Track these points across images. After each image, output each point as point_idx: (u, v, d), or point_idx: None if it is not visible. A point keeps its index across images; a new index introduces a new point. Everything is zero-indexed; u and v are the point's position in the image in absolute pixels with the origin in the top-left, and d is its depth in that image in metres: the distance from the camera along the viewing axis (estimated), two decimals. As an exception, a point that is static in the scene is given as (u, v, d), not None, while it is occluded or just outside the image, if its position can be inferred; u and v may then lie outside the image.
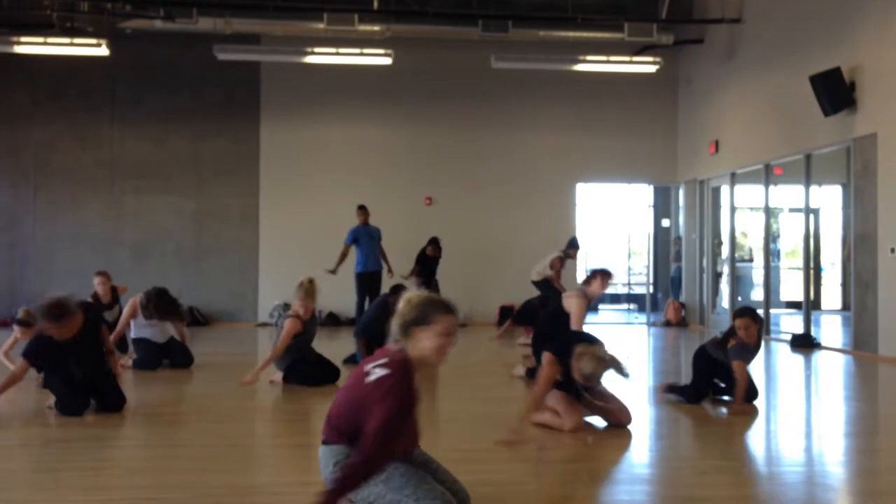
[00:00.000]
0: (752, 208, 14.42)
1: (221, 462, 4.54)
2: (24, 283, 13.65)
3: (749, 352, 6.19)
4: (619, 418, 5.38)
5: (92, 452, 4.82)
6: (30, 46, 11.92)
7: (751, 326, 6.12)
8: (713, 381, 6.39)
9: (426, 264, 12.59)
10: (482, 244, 14.42)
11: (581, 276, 13.81)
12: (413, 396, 3.00)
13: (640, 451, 4.98)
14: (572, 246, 11.61)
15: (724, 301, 13.83)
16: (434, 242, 12.62)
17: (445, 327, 2.99)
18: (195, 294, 13.86)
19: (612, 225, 17.15)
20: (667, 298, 15.82)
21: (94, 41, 11.92)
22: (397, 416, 2.87)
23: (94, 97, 13.99)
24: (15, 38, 11.78)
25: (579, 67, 13.06)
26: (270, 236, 14.32)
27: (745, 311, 6.24)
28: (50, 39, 11.86)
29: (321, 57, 12.51)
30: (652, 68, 12.96)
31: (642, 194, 15.58)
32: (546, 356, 5.32)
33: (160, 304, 8.03)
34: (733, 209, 13.44)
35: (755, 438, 5.46)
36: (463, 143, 14.58)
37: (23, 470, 4.49)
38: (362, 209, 11.95)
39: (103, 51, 11.96)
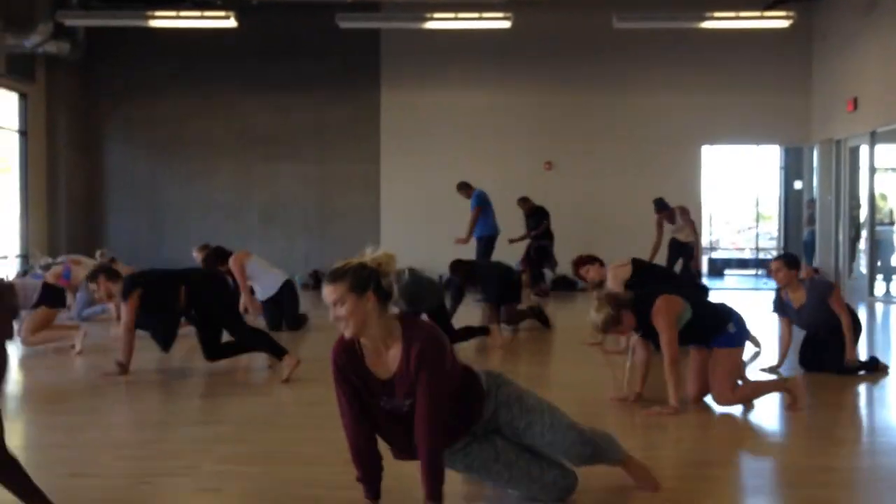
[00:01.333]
0: (893, 169, 13.62)
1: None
2: (164, 246, 14.35)
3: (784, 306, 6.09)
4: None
5: (232, 407, 5.07)
6: (163, 20, 12.42)
7: (781, 269, 6.00)
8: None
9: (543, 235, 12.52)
10: (603, 209, 14.20)
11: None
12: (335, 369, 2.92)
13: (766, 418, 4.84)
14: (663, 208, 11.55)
15: (862, 266, 13.18)
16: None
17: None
18: (320, 258, 14.25)
19: (740, 188, 16.56)
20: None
21: (222, 13, 12.30)
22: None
23: (224, 68, 14.47)
24: (150, 13, 12.30)
25: (706, 25, 12.57)
26: (391, 201, 14.54)
27: (781, 255, 6.49)
28: (182, 13, 12.31)
29: (440, 22, 12.52)
30: (784, 23, 12.34)
31: (772, 156, 14.95)
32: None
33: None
34: (873, 170, 12.73)
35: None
36: (584, 107, 14.33)
37: (183, 423, 4.75)
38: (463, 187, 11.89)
39: (231, 23, 12.33)
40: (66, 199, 13.99)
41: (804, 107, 14.29)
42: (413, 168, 14.47)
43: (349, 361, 2.87)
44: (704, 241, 15.21)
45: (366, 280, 2.79)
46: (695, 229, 11.69)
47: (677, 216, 11.55)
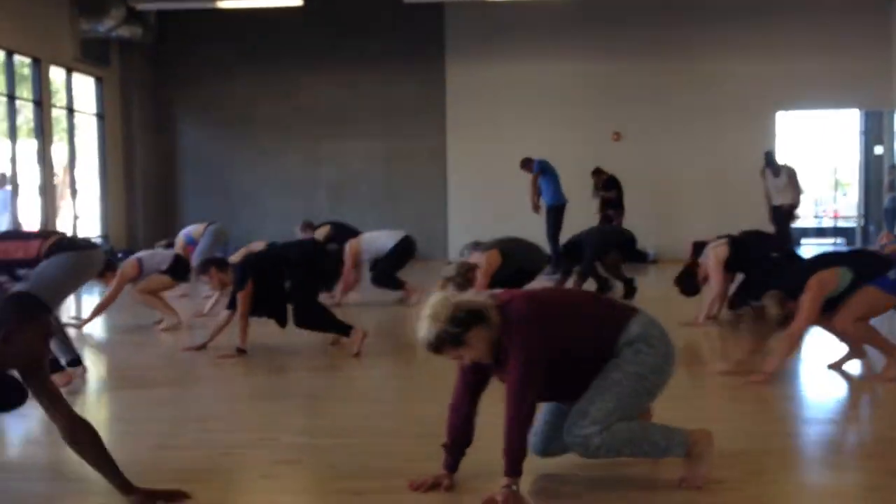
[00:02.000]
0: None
1: (427, 392, 4.72)
2: (236, 226, 14.61)
3: None
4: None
5: (305, 382, 5.17)
6: (232, 2, 12.58)
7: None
8: None
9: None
10: (673, 179, 13.93)
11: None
12: None
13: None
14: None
15: (947, 234, 12.67)
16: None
17: None
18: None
19: (817, 154, 16.05)
20: (880, 231, 14.71)
21: (289, -8, 12.40)
22: None
23: (290, 47, 14.61)
24: (217, -6, 12.49)
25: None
26: (458, 175, 14.52)
27: None
28: (249, -7, 12.46)
29: (506, -7, 12.39)
30: (864, -19, 11.86)
31: (851, 120, 14.44)
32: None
33: None
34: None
35: None
36: (652, 75, 14.04)
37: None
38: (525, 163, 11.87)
39: (297, 1, 12.42)
40: (141, 181, 14.36)
41: (885, 69, 13.74)
42: (479, 142, 14.42)
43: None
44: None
45: (462, 328, 2.87)
46: (798, 190, 11.50)
47: (783, 175, 11.37)
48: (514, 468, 2.89)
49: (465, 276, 5.48)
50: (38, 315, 3.01)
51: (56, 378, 4.60)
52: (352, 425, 4.05)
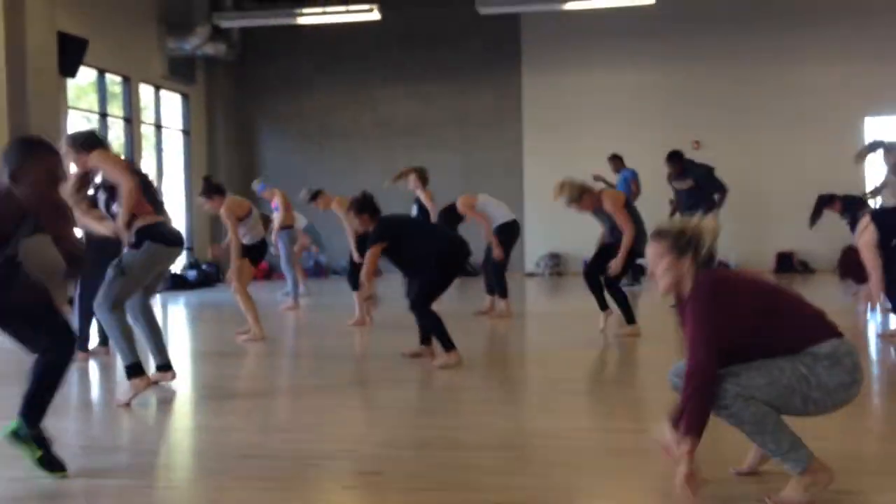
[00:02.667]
0: None
1: (508, 406, 4.71)
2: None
3: None
4: None
5: (388, 393, 5.20)
6: (311, 17, 12.84)
7: None
8: None
9: None
10: (755, 187, 13.60)
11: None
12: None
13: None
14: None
15: None
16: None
17: None
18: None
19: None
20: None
21: (366, 7, 12.58)
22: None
23: (368, 60, 14.81)
24: (298, 11, 12.76)
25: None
26: (534, 186, 14.45)
27: None
28: (328, 9, 12.68)
29: (582, 2, 12.32)
30: (958, -19, 11.41)
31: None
32: None
33: None
34: None
35: None
36: (732, 82, 13.76)
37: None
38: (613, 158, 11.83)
39: (375, 15, 12.60)
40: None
41: (980, 71, 13.17)
42: (556, 152, 14.34)
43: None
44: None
45: (685, 244, 3.02)
46: None
47: None
48: (690, 430, 2.87)
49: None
50: (43, 155, 3.14)
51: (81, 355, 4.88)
52: (433, 438, 4.06)
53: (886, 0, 12.73)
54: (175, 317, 9.94)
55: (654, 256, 3.05)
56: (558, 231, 13.47)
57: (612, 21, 13.71)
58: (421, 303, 5.83)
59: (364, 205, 6.19)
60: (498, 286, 8.58)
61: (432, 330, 5.87)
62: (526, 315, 9.13)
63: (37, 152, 3.23)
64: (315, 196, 8.85)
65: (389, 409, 4.75)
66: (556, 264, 14.19)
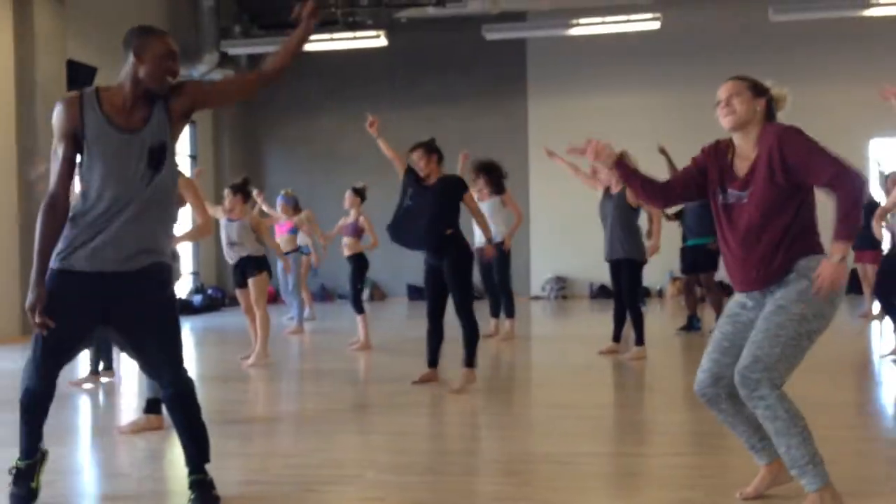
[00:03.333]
0: None
1: (512, 430, 4.69)
2: (325, 261, 14.89)
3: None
4: None
5: (391, 418, 5.18)
6: (318, 43, 12.94)
7: None
8: None
9: None
10: (763, 210, 13.59)
11: None
12: None
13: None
14: None
15: None
16: None
17: None
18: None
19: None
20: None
21: (373, 33, 12.69)
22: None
23: (375, 85, 14.90)
24: (306, 38, 12.85)
25: (870, 13, 11.82)
26: (540, 211, 14.48)
27: None
28: (335, 35, 12.78)
29: (587, 28, 12.39)
30: (962, 4, 11.44)
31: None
32: None
33: None
34: None
35: None
36: (739, 105, 13.79)
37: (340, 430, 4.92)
38: None
39: (382, 41, 12.70)
40: (232, 218, 14.79)
41: None
42: (562, 177, 14.30)
43: (716, 156, 3.32)
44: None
45: (763, 90, 3.33)
46: None
47: None
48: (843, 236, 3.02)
49: None
50: (157, 33, 3.32)
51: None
52: (436, 462, 4.04)
53: (887, 24, 12.76)
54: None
55: (731, 90, 3.28)
56: (564, 254, 13.48)
57: (617, 45, 13.79)
58: (469, 307, 5.78)
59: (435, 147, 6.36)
60: (509, 303, 8.58)
61: (474, 337, 5.78)
62: (531, 338, 9.10)
63: (153, 32, 3.35)
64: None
65: (392, 434, 4.73)
66: (561, 287, 14.18)
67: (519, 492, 3.51)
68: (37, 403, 3.16)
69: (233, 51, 13.31)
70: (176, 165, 3.27)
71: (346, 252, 8.37)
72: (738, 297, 3.20)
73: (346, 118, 15.08)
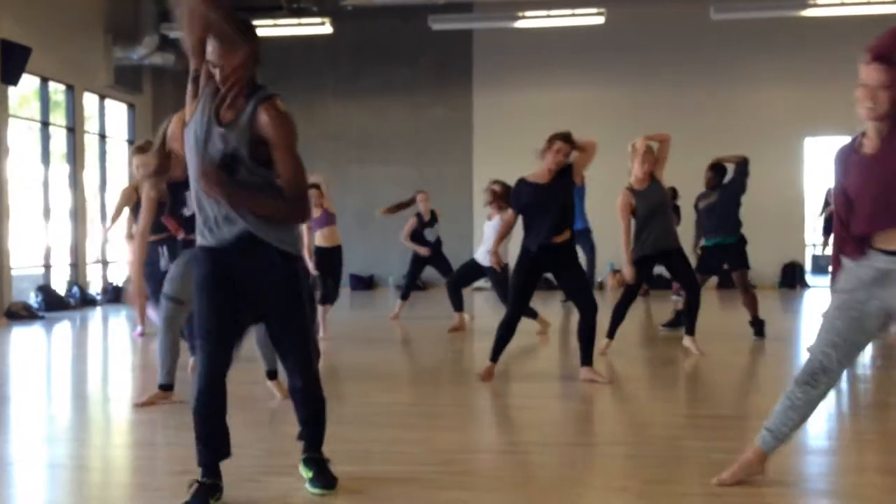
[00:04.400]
0: None
1: (449, 421, 4.69)
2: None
3: None
4: None
5: (338, 409, 5.14)
6: (261, 29, 12.70)
7: None
8: None
9: None
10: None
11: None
12: None
13: None
14: None
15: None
16: None
17: None
18: (415, 259, 14.35)
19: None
20: None
21: (318, 20, 12.56)
22: None
23: (319, 74, 14.75)
24: (249, 23, 12.66)
25: (808, 13, 12.12)
26: (482, 202, 14.50)
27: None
28: (279, 21, 12.62)
29: (533, 21, 12.46)
30: (894, 9, 11.77)
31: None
32: None
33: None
34: None
35: None
36: (680, 101, 14.01)
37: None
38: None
39: (327, 29, 12.58)
40: (171, 205, 14.52)
41: (916, 95, 13.60)
42: (506, 168, 14.32)
43: (844, 154, 3.50)
44: (808, 238, 14.70)
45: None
46: None
47: None
48: None
49: None
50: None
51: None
52: (376, 452, 4.03)
53: (824, 25, 13.08)
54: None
55: (878, 82, 3.29)
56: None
57: (563, 39, 13.88)
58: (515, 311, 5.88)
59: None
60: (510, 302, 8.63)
61: (508, 332, 5.86)
62: (476, 330, 9.14)
63: None
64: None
65: (335, 424, 4.69)
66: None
67: (458, 480, 3.51)
68: None
69: (173, 34, 13.01)
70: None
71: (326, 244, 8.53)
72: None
73: (290, 107, 14.87)
